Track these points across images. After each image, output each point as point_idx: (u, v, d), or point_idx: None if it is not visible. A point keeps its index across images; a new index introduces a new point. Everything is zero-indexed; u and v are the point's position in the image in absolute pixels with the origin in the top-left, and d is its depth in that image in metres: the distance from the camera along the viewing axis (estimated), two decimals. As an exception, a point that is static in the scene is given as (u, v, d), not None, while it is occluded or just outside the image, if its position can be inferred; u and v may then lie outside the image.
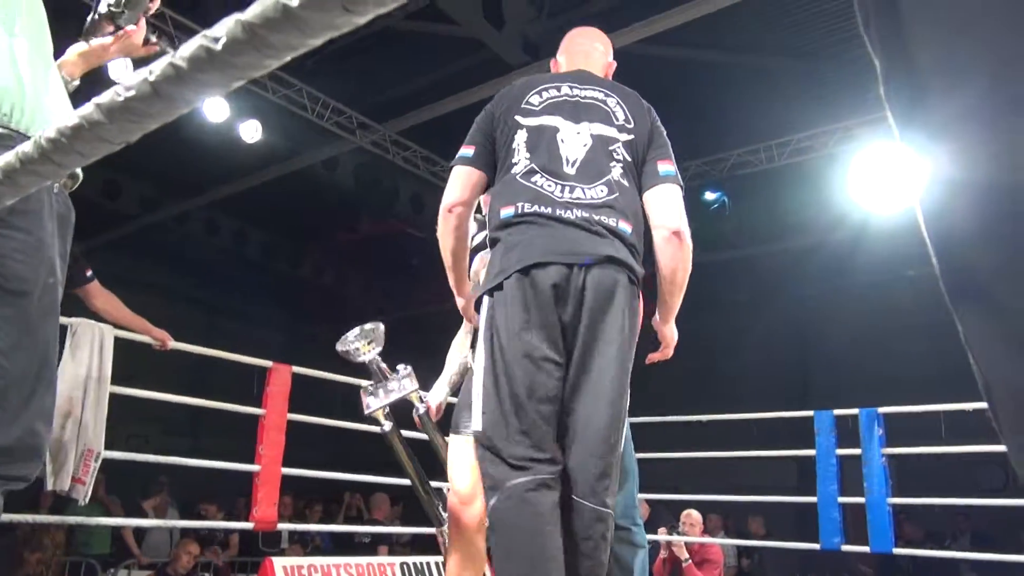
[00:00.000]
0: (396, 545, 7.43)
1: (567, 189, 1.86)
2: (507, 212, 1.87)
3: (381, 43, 7.21)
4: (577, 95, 1.99)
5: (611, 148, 1.93)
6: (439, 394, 2.74)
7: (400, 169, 8.27)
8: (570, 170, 1.88)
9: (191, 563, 5.73)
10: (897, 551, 4.75)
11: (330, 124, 7.36)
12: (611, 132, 1.95)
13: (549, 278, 1.78)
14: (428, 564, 4.67)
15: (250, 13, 0.39)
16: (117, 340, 3.59)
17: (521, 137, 1.94)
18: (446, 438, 2.61)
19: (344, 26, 0.38)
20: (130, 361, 3.81)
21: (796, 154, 7.47)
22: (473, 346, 2.64)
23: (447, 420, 2.66)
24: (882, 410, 4.62)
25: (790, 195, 8.55)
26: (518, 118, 1.96)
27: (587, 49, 2.23)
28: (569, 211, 1.83)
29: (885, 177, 6.80)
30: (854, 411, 4.73)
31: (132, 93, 0.45)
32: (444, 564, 2.59)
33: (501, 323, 1.81)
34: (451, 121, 7.38)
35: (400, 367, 2.68)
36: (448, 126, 7.56)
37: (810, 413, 4.93)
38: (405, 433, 2.79)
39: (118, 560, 6.61)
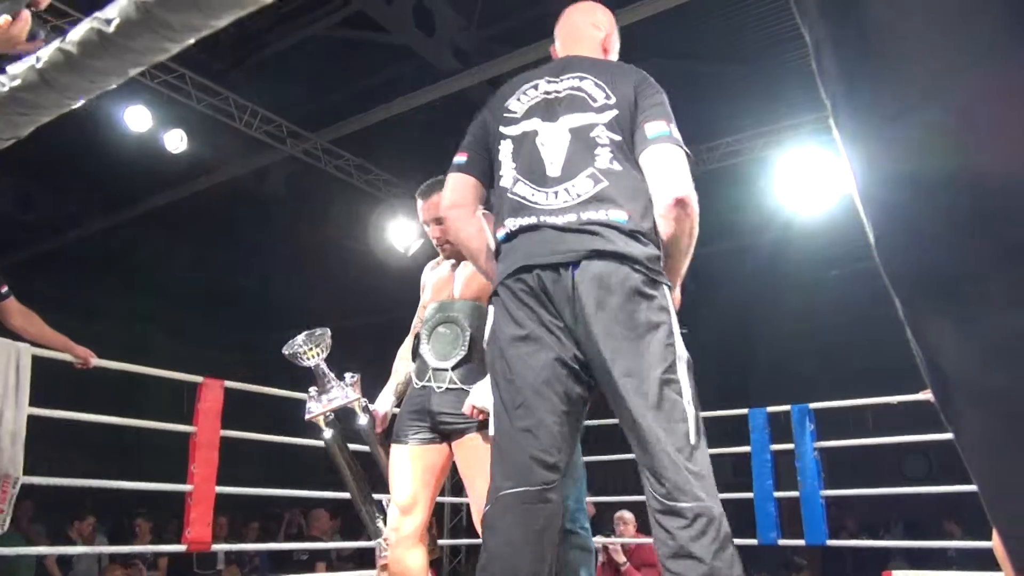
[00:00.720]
0: (336, 560, 7.29)
1: (551, 194, 1.80)
2: (500, 234, 1.85)
3: (310, 50, 7.09)
4: (554, 90, 1.92)
5: (592, 135, 1.84)
6: (385, 403, 2.73)
7: (333, 178, 8.13)
8: (555, 172, 1.82)
9: (120, 590, 5.51)
10: (831, 542, 4.88)
11: (259, 133, 7.19)
12: (588, 119, 1.85)
13: (535, 281, 1.74)
14: (370, 578, 4.59)
15: (145, -8, 0.36)
16: (35, 359, 3.42)
17: (506, 148, 1.91)
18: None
19: (249, 4, 0.35)
20: (50, 381, 3.64)
21: (726, 157, 7.62)
22: (413, 357, 2.62)
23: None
24: (813, 406, 4.75)
25: (722, 198, 8.72)
26: (502, 128, 1.93)
27: (576, 31, 2.16)
28: (555, 216, 1.77)
29: (809, 180, 7.00)
30: (786, 407, 4.84)
31: (18, 83, 0.41)
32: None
33: (499, 327, 1.79)
34: (383, 129, 7.31)
35: (347, 375, 2.67)
36: (380, 134, 7.48)
37: (744, 411, 5.03)
38: (353, 447, 2.76)
39: (42, 591, 6.30)
